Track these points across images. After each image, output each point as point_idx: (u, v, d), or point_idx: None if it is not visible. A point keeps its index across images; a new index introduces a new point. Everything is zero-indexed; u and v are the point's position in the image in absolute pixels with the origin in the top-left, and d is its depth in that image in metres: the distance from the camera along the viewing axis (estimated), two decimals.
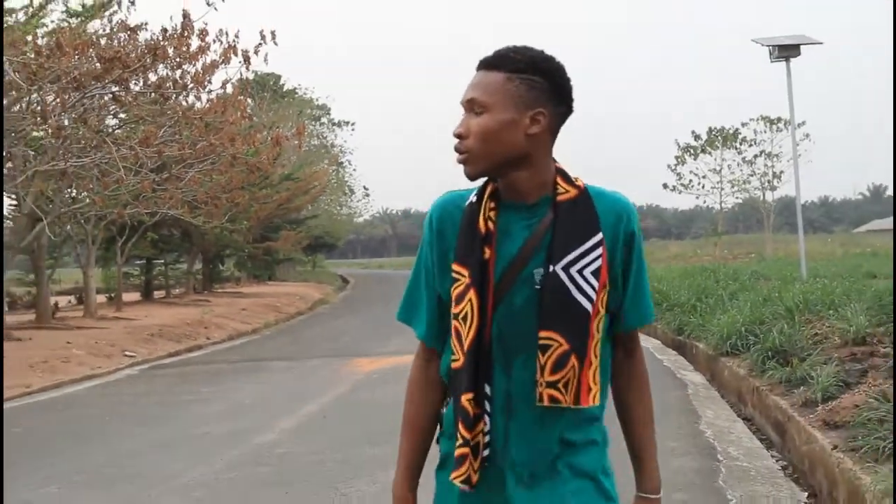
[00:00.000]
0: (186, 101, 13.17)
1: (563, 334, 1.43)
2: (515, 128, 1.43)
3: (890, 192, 77.48)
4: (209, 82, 12.71)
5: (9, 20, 13.13)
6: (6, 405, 8.70)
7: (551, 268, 1.44)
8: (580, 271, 1.44)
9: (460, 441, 1.45)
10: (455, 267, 1.48)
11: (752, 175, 34.46)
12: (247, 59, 12.09)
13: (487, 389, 1.47)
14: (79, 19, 13.54)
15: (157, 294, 24.41)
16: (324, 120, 30.83)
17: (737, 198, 37.17)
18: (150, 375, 11.78)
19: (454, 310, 1.47)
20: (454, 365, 1.49)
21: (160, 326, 15.96)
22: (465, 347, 1.46)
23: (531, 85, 1.43)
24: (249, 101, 17.05)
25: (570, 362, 1.42)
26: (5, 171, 13.31)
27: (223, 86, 13.18)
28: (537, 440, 1.49)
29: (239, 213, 18.21)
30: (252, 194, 17.73)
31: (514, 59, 1.46)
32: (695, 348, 10.42)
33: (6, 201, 16.57)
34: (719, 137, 34.55)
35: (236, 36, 12.15)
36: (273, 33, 11.85)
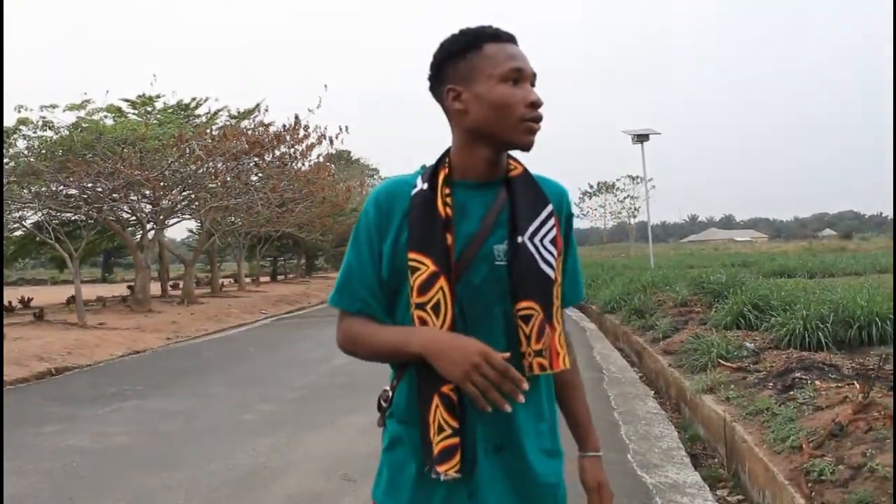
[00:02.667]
0: (297, 166, 18.70)
1: (538, 302, 1.33)
2: None
3: (702, 218, 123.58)
4: (309, 155, 18.51)
5: (196, 121, 19.51)
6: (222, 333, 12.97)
7: (519, 239, 1.33)
8: (541, 240, 1.35)
9: (449, 431, 1.28)
10: (413, 255, 1.31)
11: (622, 209, 56.93)
12: (331, 142, 17.88)
13: None
14: (236, 119, 19.58)
15: (280, 278, 35.49)
16: (375, 176, 40.11)
17: (613, 222, 60.70)
18: (276, 324, 15.48)
19: (418, 299, 1.31)
20: None
21: (281, 296, 21.70)
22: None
23: None
24: (332, 166, 23.71)
25: (547, 329, 1.33)
26: (193, 206, 19.40)
27: (318, 157, 19.01)
28: (503, 417, 1.31)
29: (326, 230, 25.67)
30: (334, 220, 25.03)
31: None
32: (590, 308, 13.22)
33: (193, 225, 23.80)
34: (603, 188, 57.97)
35: (325, 128, 17.90)
36: (347, 127, 17.51)
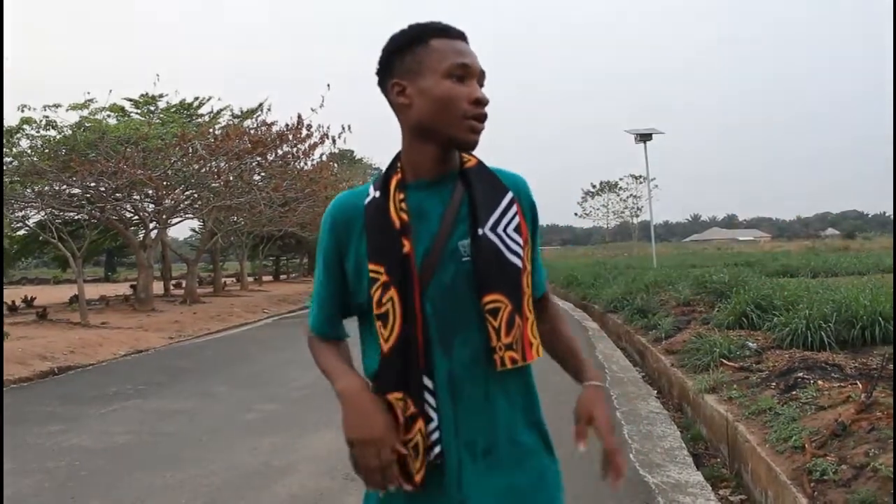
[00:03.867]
0: (299, 166, 18.65)
1: (506, 294, 1.28)
2: None
3: (704, 217, 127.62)
4: (312, 155, 18.32)
5: (199, 120, 19.56)
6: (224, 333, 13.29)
7: (480, 231, 1.29)
8: (504, 230, 1.30)
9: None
10: (372, 266, 1.29)
11: (624, 208, 57.38)
12: (334, 141, 17.59)
13: (428, 382, 1.27)
14: (238, 119, 19.66)
15: (282, 277, 35.43)
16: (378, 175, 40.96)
17: (616, 221, 60.61)
18: (278, 323, 15.44)
19: (375, 311, 1.28)
20: (377, 363, 1.30)
21: (284, 295, 21.78)
22: (387, 347, 1.27)
23: None
24: (335, 165, 23.78)
25: (517, 321, 1.28)
26: (196, 206, 19.32)
27: (320, 157, 18.92)
28: (486, 415, 1.30)
29: None
30: None
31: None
32: (592, 308, 13.44)
33: (196, 224, 23.86)
34: (606, 187, 58.11)
35: (328, 127, 17.69)
36: (349, 126, 17.15)
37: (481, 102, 1.29)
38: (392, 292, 1.27)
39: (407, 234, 1.29)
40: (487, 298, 1.29)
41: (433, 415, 1.28)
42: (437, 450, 1.27)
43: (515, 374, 1.33)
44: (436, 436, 1.27)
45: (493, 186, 1.35)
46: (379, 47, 1.36)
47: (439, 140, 1.31)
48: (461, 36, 1.33)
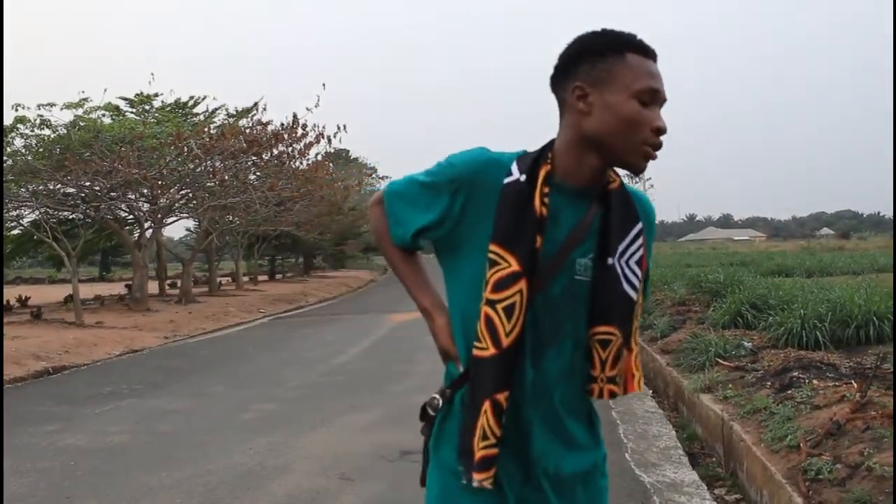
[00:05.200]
0: (295, 165, 18.55)
1: (618, 327, 1.28)
2: None
3: (700, 217, 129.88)
4: (307, 154, 18.25)
5: (194, 120, 19.35)
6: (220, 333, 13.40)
7: (610, 260, 1.27)
8: (627, 261, 1.28)
9: (492, 441, 1.24)
10: (496, 249, 1.23)
11: None
12: (329, 141, 17.69)
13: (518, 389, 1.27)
14: (234, 118, 19.42)
15: (278, 276, 35.16)
16: (373, 175, 40.79)
17: None
18: (274, 323, 15.36)
19: (492, 295, 1.23)
20: (482, 354, 1.24)
21: (279, 295, 21.52)
22: (507, 341, 1.23)
23: None
24: (331, 165, 23.32)
25: (623, 354, 1.29)
26: (191, 205, 19.23)
27: (316, 156, 18.74)
28: (558, 428, 1.31)
29: (324, 229, 25.74)
30: (332, 219, 25.17)
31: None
32: None
33: (191, 223, 23.76)
34: None
35: (324, 127, 17.65)
36: (345, 126, 17.32)
37: (661, 132, 1.26)
38: (522, 285, 1.24)
39: (542, 231, 1.26)
40: (600, 329, 1.30)
41: (504, 411, 1.27)
42: (493, 450, 1.28)
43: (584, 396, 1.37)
44: (498, 432, 1.27)
45: (627, 213, 1.32)
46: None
47: (608, 157, 1.28)
48: (655, 56, 1.29)
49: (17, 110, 14.80)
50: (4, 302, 18.14)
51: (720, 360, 5.50)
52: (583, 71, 1.27)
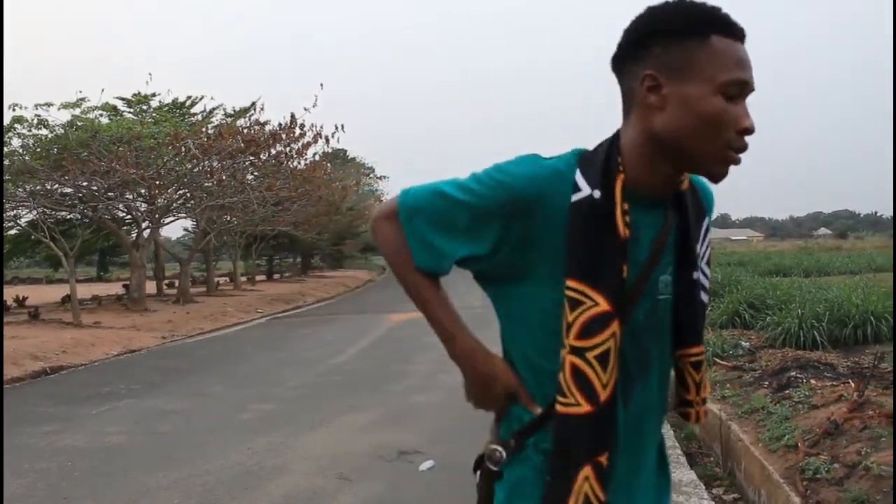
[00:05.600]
0: (293, 165, 18.54)
1: (702, 342, 1.15)
2: None
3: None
4: (305, 154, 18.33)
5: (192, 119, 19.32)
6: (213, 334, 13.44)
7: (695, 275, 1.11)
8: (702, 267, 1.14)
9: None
10: (575, 285, 1.02)
11: None
12: (327, 140, 17.74)
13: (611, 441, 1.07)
14: (231, 118, 19.40)
15: (276, 277, 35.17)
16: (371, 175, 40.94)
17: None
18: (272, 323, 15.31)
19: (579, 343, 1.02)
20: (572, 411, 1.03)
21: (277, 294, 21.51)
22: (605, 395, 1.03)
23: None
24: (329, 165, 23.46)
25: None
26: (189, 205, 19.23)
27: (314, 156, 18.78)
28: (642, 464, 1.16)
29: (322, 229, 25.64)
30: (330, 219, 25.03)
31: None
32: None
33: (189, 223, 23.71)
34: None
35: (321, 127, 17.66)
36: (343, 126, 17.33)
37: (749, 132, 1.02)
38: (615, 327, 1.03)
39: (626, 256, 1.04)
40: (693, 350, 1.16)
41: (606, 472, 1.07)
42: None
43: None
44: (603, 497, 1.06)
45: (698, 211, 1.15)
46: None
47: (684, 162, 1.06)
48: (744, 36, 1.05)
49: (14, 110, 14.78)
50: (2, 302, 18.12)
51: (718, 360, 5.51)
52: (655, 55, 1.03)
